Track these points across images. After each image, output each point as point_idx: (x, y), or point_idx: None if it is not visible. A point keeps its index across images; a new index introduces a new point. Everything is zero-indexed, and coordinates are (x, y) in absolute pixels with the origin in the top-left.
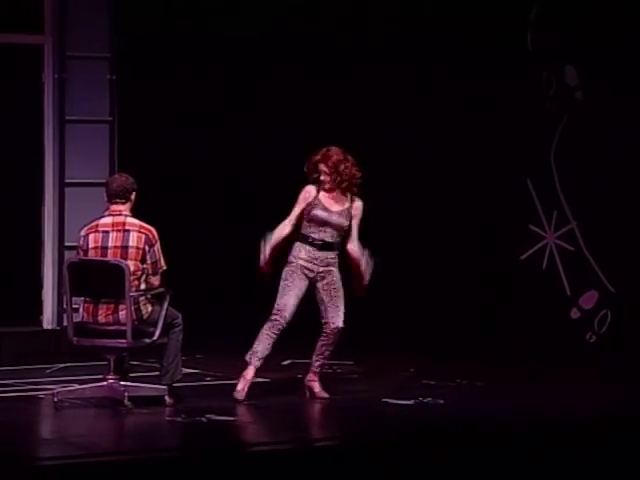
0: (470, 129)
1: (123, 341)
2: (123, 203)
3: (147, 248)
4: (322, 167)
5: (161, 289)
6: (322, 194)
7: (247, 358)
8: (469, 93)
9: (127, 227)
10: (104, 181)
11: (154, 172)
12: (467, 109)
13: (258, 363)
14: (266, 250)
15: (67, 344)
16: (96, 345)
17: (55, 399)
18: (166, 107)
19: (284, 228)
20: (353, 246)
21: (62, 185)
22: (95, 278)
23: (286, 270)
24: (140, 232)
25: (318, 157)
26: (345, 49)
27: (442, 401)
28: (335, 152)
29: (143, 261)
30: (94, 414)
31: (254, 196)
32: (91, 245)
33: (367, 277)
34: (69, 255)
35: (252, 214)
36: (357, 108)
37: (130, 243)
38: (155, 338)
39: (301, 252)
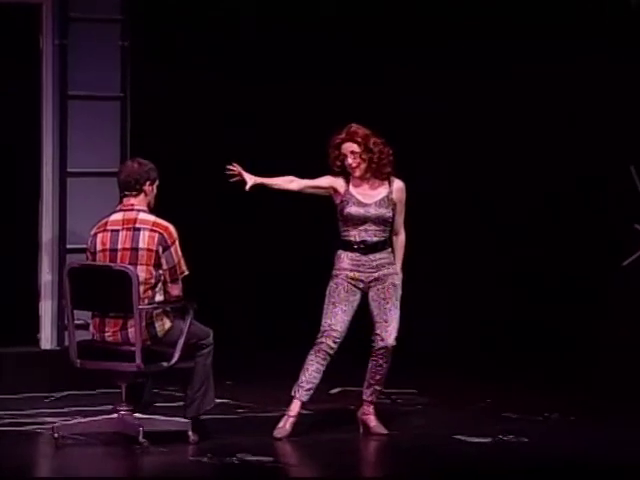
0: (559, 110)
1: (132, 365)
2: (135, 196)
3: (161, 250)
4: (348, 147)
5: (180, 301)
6: (352, 186)
7: (293, 392)
8: (556, 71)
9: (138, 225)
10: (115, 170)
11: (174, 158)
12: (553, 89)
13: (305, 397)
14: (254, 177)
15: (69, 367)
16: (102, 369)
17: (55, 434)
18: (189, 80)
19: (291, 182)
20: (396, 239)
21: (63, 175)
22: (98, 287)
23: (330, 285)
24: (153, 231)
25: (342, 136)
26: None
27: (526, 439)
28: (359, 127)
29: (157, 266)
30: (102, 453)
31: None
32: (99, 247)
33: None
34: (72, 260)
35: (290, 218)
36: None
37: (140, 244)
38: (173, 362)
39: (343, 261)
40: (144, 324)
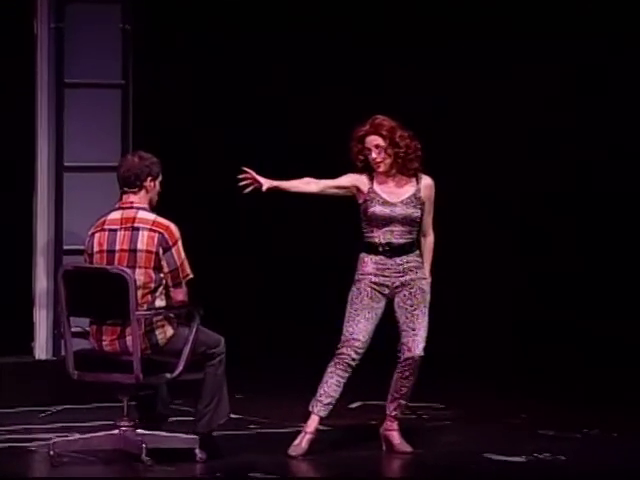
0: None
1: (130, 376)
2: (135, 192)
3: (161, 252)
4: (372, 140)
5: (185, 307)
6: (377, 184)
7: (310, 406)
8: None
9: (137, 224)
10: (115, 164)
11: (180, 152)
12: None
13: (324, 412)
14: (269, 180)
15: (66, 379)
16: (100, 381)
17: (51, 452)
18: (196, 66)
19: (308, 184)
20: (425, 241)
21: (60, 170)
22: (94, 292)
23: (352, 290)
24: (152, 230)
25: (366, 128)
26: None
27: (563, 457)
28: (385, 118)
29: (158, 269)
30: (101, 472)
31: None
32: (96, 248)
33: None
34: (69, 262)
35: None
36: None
37: (139, 245)
38: (177, 373)
39: (367, 265)
40: (142, 332)
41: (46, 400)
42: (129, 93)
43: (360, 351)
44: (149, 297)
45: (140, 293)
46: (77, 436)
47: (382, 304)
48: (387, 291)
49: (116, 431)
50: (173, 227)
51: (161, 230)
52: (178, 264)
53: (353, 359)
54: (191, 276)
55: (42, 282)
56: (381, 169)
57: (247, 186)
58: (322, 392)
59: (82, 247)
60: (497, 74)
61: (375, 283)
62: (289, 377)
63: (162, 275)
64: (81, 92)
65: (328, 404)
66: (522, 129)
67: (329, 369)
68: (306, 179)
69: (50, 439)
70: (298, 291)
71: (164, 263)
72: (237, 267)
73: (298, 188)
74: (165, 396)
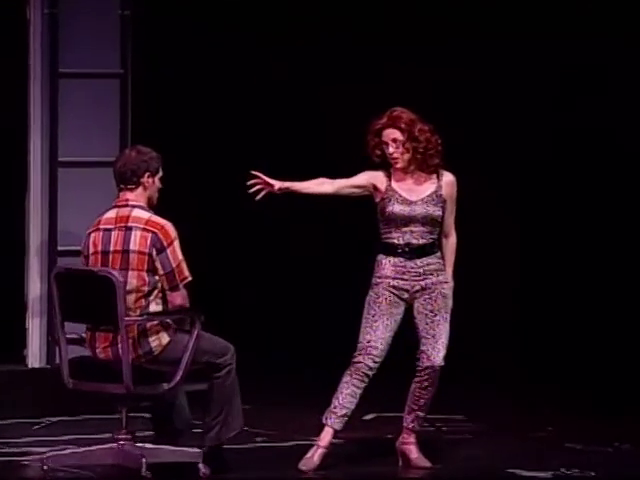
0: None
1: (120, 386)
2: (131, 189)
3: (155, 253)
4: (390, 134)
5: (183, 312)
6: (395, 181)
7: (323, 418)
8: None
9: (130, 223)
10: (113, 159)
11: (183, 146)
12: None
13: (338, 424)
14: (280, 182)
15: (61, 388)
16: (94, 390)
17: (45, 466)
18: (200, 55)
19: (322, 184)
20: (447, 242)
21: (54, 165)
22: (84, 296)
23: (370, 295)
24: (145, 230)
25: (383, 121)
26: None
27: (593, 473)
28: (404, 111)
29: (152, 271)
30: None
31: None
32: (91, 249)
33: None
34: (63, 264)
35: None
36: None
37: (132, 246)
38: (174, 383)
39: (385, 267)
40: (134, 339)
41: (40, 411)
42: (128, 83)
43: (378, 360)
44: (143, 301)
45: (133, 297)
46: (72, 449)
47: (401, 309)
48: (406, 295)
49: (114, 444)
50: (168, 226)
51: (155, 230)
52: (174, 266)
53: (370, 368)
54: (189, 279)
55: (35, 286)
56: (399, 165)
57: (258, 192)
58: (337, 403)
59: (78, 248)
60: (497, 74)
61: (394, 287)
62: (300, 387)
63: (157, 278)
64: (77, 82)
65: (343, 416)
66: (522, 129)
67: (344, 379)
68: (320, 179)
69: (44, 453)
70: (308, 295)
71: (158, 265)
72: (245, 268)
73: (311, 189)
74: (183, 409)
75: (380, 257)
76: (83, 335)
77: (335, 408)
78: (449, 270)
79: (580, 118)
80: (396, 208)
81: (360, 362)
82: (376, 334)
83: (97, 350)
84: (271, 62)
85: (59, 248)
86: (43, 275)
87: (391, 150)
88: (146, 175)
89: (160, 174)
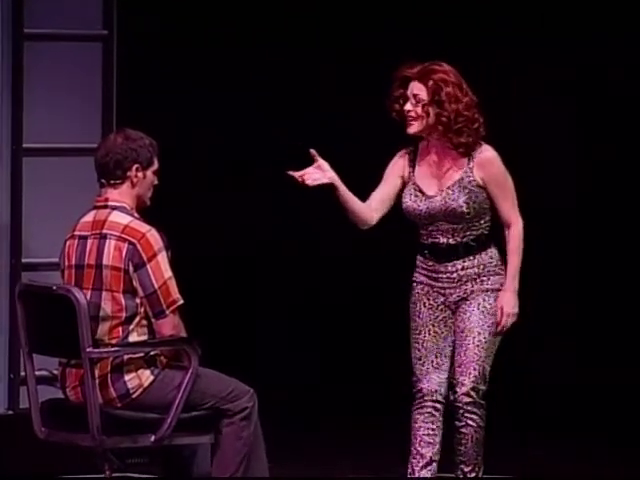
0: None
1: (86, 436)
2: (115, 185)
3: (132, 269)
4: (413, 88)
5: (174, 343)
6: (418, 167)
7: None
8: None
9: (105, 230)
10: (94, 146)
11: (178, 125)
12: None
13: (426, 471)
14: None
15: (30, 440)
16: (66, 442)
17: None
18: (198, 13)
19: (369, 209)
20: (508, 234)
21: (17, 153)
22: (47, 320)
23: (411, 300)
24: (121, 239)
25: (412, 70)
26: None
27: None
28: (442, 67)
29: (131, 293)
30: None
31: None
32: (66, 262)
33: (510, 302)
34: (28, 279)
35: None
36: None
37: (104, 260)
38: (161, 435)
39: (419, 269)
40: (104, 377)
41: (2, 471)
42: (112, 48)
43: (441, 390)
44: (120, 330)
45: (107, 325)
46: None
47: (449, 313)
48: (446, 300)
49: None
50: (151, 235)
51: (133, 239)
52: (157, 286)
53: (433, 401)
54: (180, 302)
55: None
56: (412, 129)
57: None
58: (414, 451)
59: (46, 259)
60: (497, 74)
61: (430, 286)
62: (331, 436)
63: (138, 301)
64: (47, 46)
65: (425, 465)
66: (522, 129)
67: (413, 417)
68: (372, 204)
69: None
70: (343, 318)
71: (136, 284)
72: (254, 287)
73: (355, 208)
74: (203, 460)
75: (417, 256)
76: (54, 372)
77: (415, 458)
78: (510, 272)
79: None
80: (409, 203)
81: (420, 398)
82: (427, 357)
83: (67, 390)
84: (271, 23)
85: (23, 260)
86: (2, 295)
87: (409, 107)
88: (134, 168)
89: (155, 167)
